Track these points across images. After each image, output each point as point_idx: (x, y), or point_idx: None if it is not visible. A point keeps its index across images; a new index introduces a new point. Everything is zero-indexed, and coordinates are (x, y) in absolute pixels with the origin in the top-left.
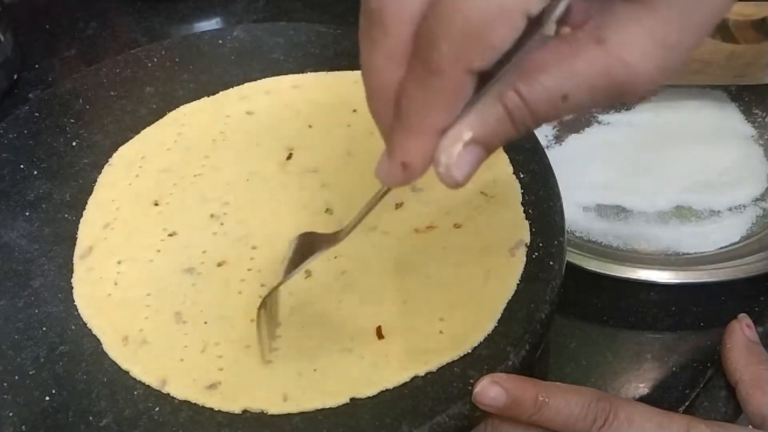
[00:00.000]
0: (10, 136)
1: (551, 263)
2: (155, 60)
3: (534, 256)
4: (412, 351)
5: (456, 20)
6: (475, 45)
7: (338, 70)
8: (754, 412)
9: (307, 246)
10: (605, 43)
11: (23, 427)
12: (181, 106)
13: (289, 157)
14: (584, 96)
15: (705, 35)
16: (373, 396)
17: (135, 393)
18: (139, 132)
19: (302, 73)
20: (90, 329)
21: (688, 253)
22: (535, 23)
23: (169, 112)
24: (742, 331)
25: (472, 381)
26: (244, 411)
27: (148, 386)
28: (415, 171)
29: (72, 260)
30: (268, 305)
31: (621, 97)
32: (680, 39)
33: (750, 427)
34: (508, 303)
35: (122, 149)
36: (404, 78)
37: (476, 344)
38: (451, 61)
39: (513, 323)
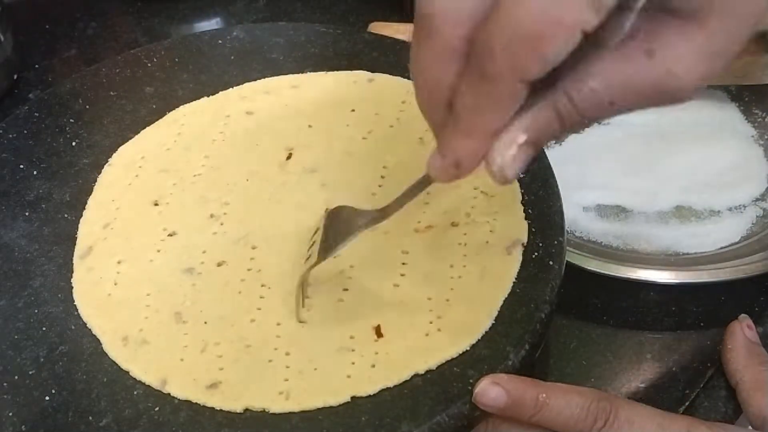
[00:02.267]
0: (10, 136)
1: (551, 263)
2: (155, 60)
3: (534, 256)
4: (411, 349)
5: (512, 31)
6: (531, 56)
7: (338, 70)
8: (754, 413)
9: (343, 222)
10: (654, 56)
11: (23, 427)
12: (181, 106)
13: (289, 157)
14: (630, 102)
15: (746, 40)
16: (373, 395)
17: (135, 393)
18: (139, 132)
19: (302, 73)
20: (90, 329)
21: (688, 253)
22: (591, 34)
23: (168, 112)
24: (742, 331)
25: (472, 381)
26: (246, 410)
27: (148, 386)
28: (466, 169)
29: (72, 260)
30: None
31: (665, 102)
32: (726, 48)
33: (750, 428)
34: (508, 303)
35: (122, 149)
36: (459, 82)
37: (474, 342)
38: (506, 70)
39: (513, 323)
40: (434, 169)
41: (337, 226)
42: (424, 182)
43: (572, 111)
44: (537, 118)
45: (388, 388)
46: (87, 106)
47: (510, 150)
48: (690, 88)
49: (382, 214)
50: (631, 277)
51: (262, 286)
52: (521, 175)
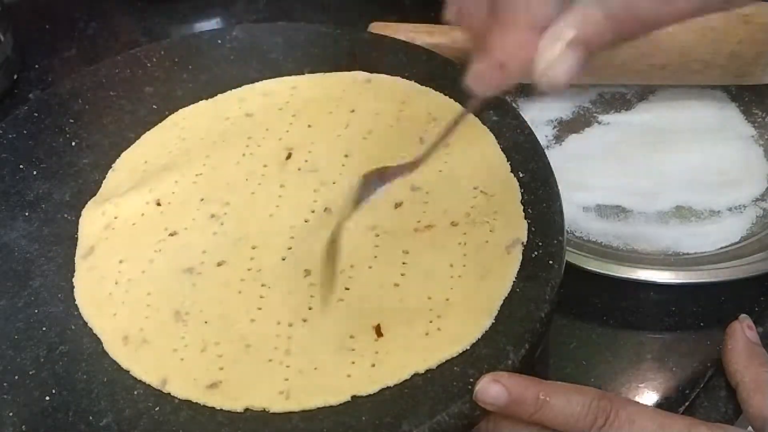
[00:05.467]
0: (10, 136)
1: (551, 262)
2: (155, 60)
3: (534, 256)
4: (411, 348)
5: None
6: None
7: (337, 70)
8: (755, 414)
9: (374, 182)
10: None
11: (23, 427)
12: (181, 110)
13: (289, 157)
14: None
15: None
16: (374, 395)
17: (135, 393)
18: (138, 132)
19: (301, 73)
20: (90, 329)
21: (688, 253)
22: None
23: (168, 112)
24: (743, 332)
25: (472, 380)
26: (246, 409)
27: (149, 386)
28: (512, 71)
29: (72, 260)
30: (334, 244)
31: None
32: None
33: (750, 428)
34: (508, 302)
35: (125, 155)
36: None
37: (474, 341)
38: None
39: (513, 322)
40: (476, 78)
41: (368, 183)
42: (457, 119)
43: (625, 12)
44: (586, 15)
45: (388, 388)
46: (87, 106)
47: (556, 46)
48: None
49: (414, 164)
50: (631, 277)
51: (262, 286)
52: (521, 174)
